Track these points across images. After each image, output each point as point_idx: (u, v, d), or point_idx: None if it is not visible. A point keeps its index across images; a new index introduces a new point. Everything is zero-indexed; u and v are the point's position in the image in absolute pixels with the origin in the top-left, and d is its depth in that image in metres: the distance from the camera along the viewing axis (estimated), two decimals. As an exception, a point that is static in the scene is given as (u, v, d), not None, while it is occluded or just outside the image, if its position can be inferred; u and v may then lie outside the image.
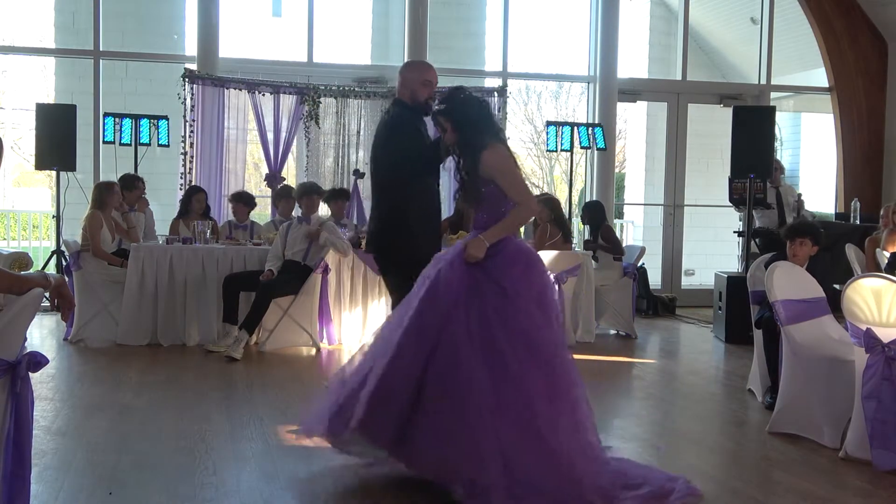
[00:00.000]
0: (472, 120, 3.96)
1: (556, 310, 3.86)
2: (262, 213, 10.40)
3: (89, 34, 10.05)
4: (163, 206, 9.67)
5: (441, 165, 4.71)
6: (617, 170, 13.26)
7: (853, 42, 11.17)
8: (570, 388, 3.75)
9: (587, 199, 10.54)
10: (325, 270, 7.30)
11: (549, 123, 9.86)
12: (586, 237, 9.05)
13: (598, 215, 8.85)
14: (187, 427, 4.78)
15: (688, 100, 11.38)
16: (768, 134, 9.01)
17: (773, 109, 9.48)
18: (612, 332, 8.58)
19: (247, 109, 9.48)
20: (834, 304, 4.95)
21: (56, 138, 8.84)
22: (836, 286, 5.27)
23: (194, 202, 8.21)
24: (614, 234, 8.94)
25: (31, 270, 6.71)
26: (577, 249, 8.36)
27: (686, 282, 11.52)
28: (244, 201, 8.34)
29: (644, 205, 13.27)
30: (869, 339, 4.23)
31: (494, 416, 3.51)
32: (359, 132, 9.70)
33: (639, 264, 8.98)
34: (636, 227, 13.53)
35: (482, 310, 3.68)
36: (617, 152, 12.38)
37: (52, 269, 8.65)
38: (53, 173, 9.39)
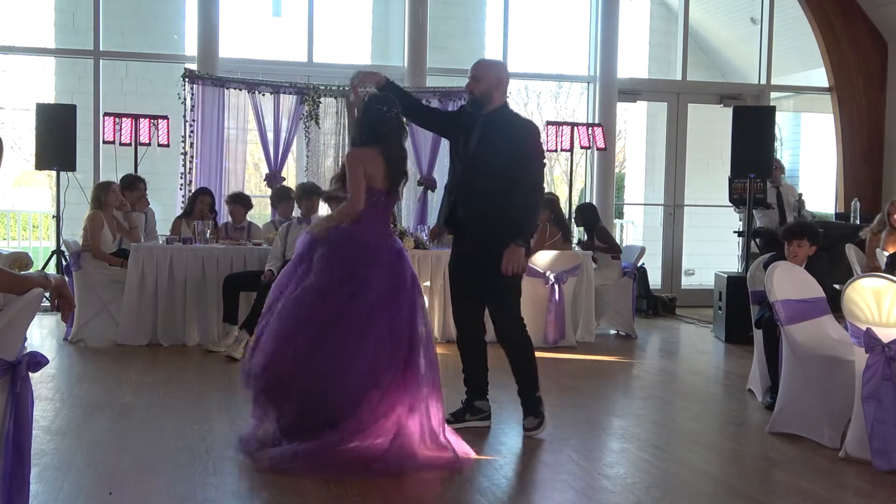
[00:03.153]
0: (362, 123, 4.55)
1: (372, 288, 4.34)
2: (263, 213, 10.39)
3: (89, 34, 10.05)
4: (163, 206, 9.67)
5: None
6: (617, 170, 13.26)
7: (853, 42, 11.17)
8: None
9: (586, 200, 10.55)
10: (325, 270, 7.27)
11: (548, 123, 9.86)
12: (583, 239, 9.04)
13: (591, 217, 8.86)
14: (187, 427, 4.78)
15: (688, 100, 11.38)
16: (768, 134, 9.00)
17: (773, 109, 9.47)
18: (612, 332, 8.58)
19: (247, 109, 9.47)
20: (834, 304, 4.95)
21: (56, 138, 8.83)
22: (836, 286, 5.27)
23: (197, 203, 8.22)
24: (609, 233, 8.94)
25: (31, 270, 6.70)
26: (577, 249, 8.36)
27: (686, 282, 11.51)
28: (241, 202, 8.32)
29: (644, 205, 13.27)
30: (869, 339, 4.23)
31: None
32: (359, 132, 9.68)
33: (639, 264, 8.98)
34: (636, 227, 13.52)
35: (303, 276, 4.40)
36: (617, 152, 12.37)
37: (52, 269, 8.65)
38: (53, 173, 9.39)
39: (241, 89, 9.39)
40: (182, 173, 9.12)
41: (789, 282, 4.99)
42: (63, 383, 5.93)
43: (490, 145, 4.68)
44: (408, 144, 9.67)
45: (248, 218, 8.45)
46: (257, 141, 9.70)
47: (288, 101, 9.45)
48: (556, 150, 9.72)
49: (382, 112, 4.51)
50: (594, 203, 9.79)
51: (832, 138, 11.46)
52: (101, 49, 9.97)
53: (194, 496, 3.73)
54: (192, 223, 8.00)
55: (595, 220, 8.83)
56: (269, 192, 9.50)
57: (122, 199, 7.81)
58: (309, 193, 7.67)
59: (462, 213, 4.77)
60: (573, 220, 9.20)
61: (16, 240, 13.64)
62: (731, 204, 9.49)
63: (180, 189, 9.04)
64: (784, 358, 4.90)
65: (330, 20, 11.41)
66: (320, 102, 9.48)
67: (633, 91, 11.28)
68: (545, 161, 4.95)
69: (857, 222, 9.54)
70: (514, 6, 10.77)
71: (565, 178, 11.49)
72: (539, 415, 4.75)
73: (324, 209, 8.19)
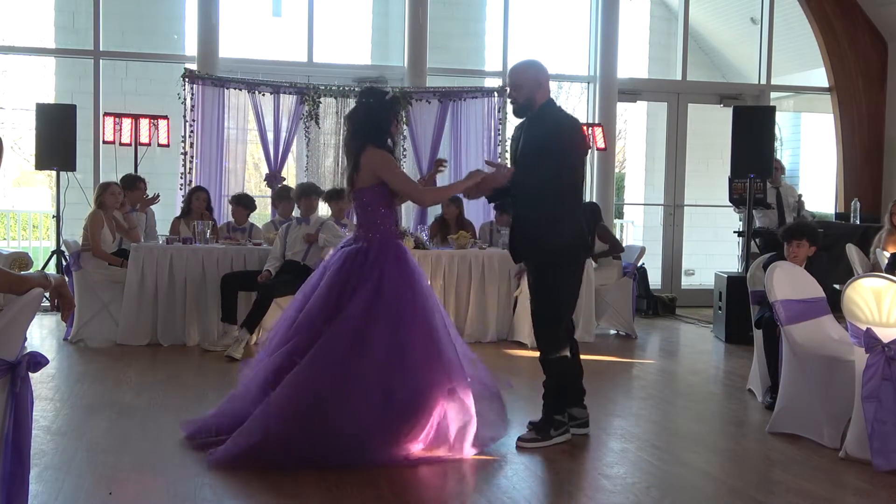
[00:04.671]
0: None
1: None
2: (263, 213, 10.40)
3: (89, 34, 10.05)
4: (163, 206, 9.67)
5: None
6: (617, 170, 13.26)
7: (853, 42, 11.17)
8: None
9: (586, 200, 10.54)
10: (325, 270, 7.28)
11: (549, 123, 9.83)
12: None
13: (593, 216, 8.84)
14: (187, 427, 4.77)
15: (688, 100, 11.38)
16: (768, 134, 9.01)
17: (773, 109, 9.48)
18: (612, 332, 8.58)
19: (247, 109, 9.48)
20: (834, 304, 4.95)
21: (56, 138, 8.84)
22: (836, 286, 5.27)
23: (194, 201, 8.24)
24: (610, 232, 8.93)
25: (31, 270, 6.71)
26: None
27: (686, 282, 11.52)
28: (244, 204, 8.33)
29: (644, 205, 13.27)
30: (869, 339, 4.23)
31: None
32: (359, 132, 9.68)
33: (639, 264, 8.97)
34: (636, 227, 13.52)
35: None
36: (617, 152, 12.37)
37: (52, 269, 8.65)
38: (53, 173, 9.39)
39: (241, 89, 9.39)
40: (182, 173, 9.13)
41: (789, 282, 4.98)
42: (63, 383, 5.92)
43: (530, 146, 4.55)
44: (407, 144, 9.77)
45: (248, 218, 8.46)
46: (257, 141, 9.71)
47: (288, 101, 9.46)
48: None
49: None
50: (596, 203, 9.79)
51: (832, 138, 11.46)
52: (101, 49, 9.98)
53: (194, 496, 3.73)
54: (191, 223, 8.01)
55: (597, 220, 8.82)
56: (268, 192, 9.51)
57: (122, 200, 7.80)
58: (308, 193, 7.66)
59: (514, 228, 4.70)
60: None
61: (16, 240, 13.64)
62: (731, 204, 9.49)
63: (180, 189, 9.05)
64: (784, 358, 4.90)
65: (330, 20, 11.40)
66: (320, 102, 9.49)
67: (633, 91, 11.28)
68: (582, 161, 4.74)
69: (857, 222, 9.55)
70: (514, 6, 10.77)
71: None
72: (544, 436, 4.56)
73: (323, 209, 8.21)
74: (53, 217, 9.18)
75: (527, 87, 4.62)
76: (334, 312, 4.20)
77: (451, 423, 4.22)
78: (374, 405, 4.08)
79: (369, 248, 4.33)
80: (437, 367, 4.22)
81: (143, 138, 8.94)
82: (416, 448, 4.16)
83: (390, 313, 4.17)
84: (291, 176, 10.14)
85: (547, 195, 4.49)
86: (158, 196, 8.55)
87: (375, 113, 4.43)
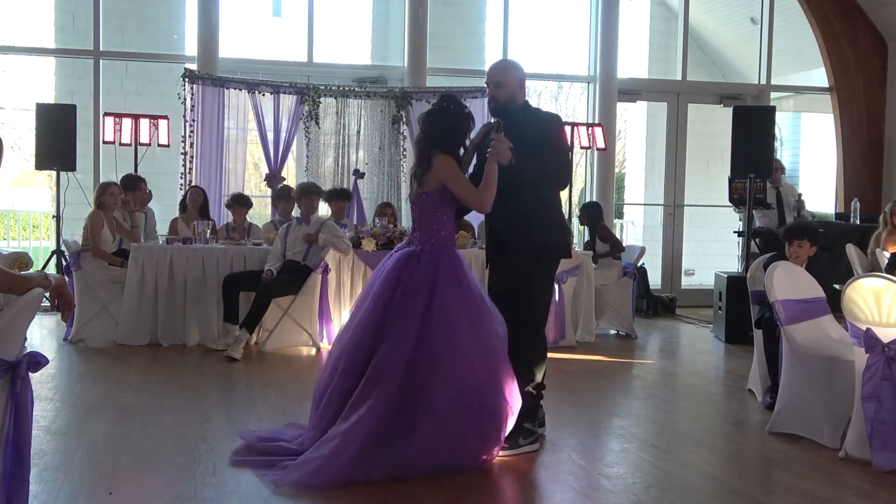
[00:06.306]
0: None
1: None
2: (263, 213, 10.40)
3: (89, 34, 10.06)
4: (163, 206, 9.68)
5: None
6: (617, 170, 13.26)
7: (853, 42, 11.17)
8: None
9: (587, 199, 10.54)
10: (326, 270, 7.30)
11: (549, 123, 9.83)
12: (586, 238, 9.04)
13: (594, 216, 8.85)
14: (187, 427, 4.78)
15: (688, 100, 11.38)
16: (768, 134, 9.01)
17: (773, 109, 9.48)
18: (612, 332, 8.58)
19: (247, 109, 9.48)
20: (834, 304, 4.95)
21: (56, 138, 8.84)
22: (836, 286, 5.27)
23: (188, 199, 8.27)
24: (611, 231, 8.94)
25: (31, 270, 6.71)
26: (577, 249, 8.36)
27: (686, 282, 11.52)
28: (244, 203, 8.37)
29: (644, 205, 13.27)
30: (869, 339, 4.23)
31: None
32: (359, 132, 9.71)
33: (639, 264, 8.98)
34: (636, 227, 13.52)
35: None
36: (617, 152, 12.37)
37: (52, 269, 8.65)
38: (53, 173, 9.39)
39: (241, 89, 9.39)
40: (182, 173, 9.13)
41: (789, 282, 4.99)
42: (63, 383, 5.93)
43: (512, 141, 4.40)
44: (407, 144, 9.76)
45: (248, 218, 8.48)
46: (257, 141, 9.71)
47: (288, 101, 9.46)
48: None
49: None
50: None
51: (832, 138, 11.47)
52: (101, 49, 9.98)
53: (194, 496, 3.73)
54: (190, 223, 8.03)
55: (598, 220, 8.82)
56: (268, 192, 9.52)
57: (123, 198, 7.80)
58: (308, 193, 7.67)
59: (494, 228, 4.62)
60: (577, 219, 9.20)
61: (16, 240, 13.64)
62: (731, 204, 9.49)
63: (181, 189, 9.05)
64: (784, 358, 4.90)
65: (330, 20, 11.40)
66: (320, 102, 9.49)
67: (633, 91, 11.28)
68: (567, 159, 4.62)
69: (857, 222, 9.55)
70: (514, 6, 10.77)
71: (565, 178, 11.48)
72: (512, 444, 4.36)
73: (324, 209, 8.21)
74: (53, 217, 9.17)
75: (510, 87, 4.58)
76: (387, 317, 4.19)
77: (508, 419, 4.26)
78: (446, 409, 4.05)
79: (422, 252, 4.30)
80: (498, 370, 4.19)
81: (143, 138, 8.94)
82: (494, 450, 4.19)
83: (445, 317, 4.15)
84: (291, 176, 10.15)
85: (533, 193, 4.44)
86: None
87: (454, 119, 4.40)
